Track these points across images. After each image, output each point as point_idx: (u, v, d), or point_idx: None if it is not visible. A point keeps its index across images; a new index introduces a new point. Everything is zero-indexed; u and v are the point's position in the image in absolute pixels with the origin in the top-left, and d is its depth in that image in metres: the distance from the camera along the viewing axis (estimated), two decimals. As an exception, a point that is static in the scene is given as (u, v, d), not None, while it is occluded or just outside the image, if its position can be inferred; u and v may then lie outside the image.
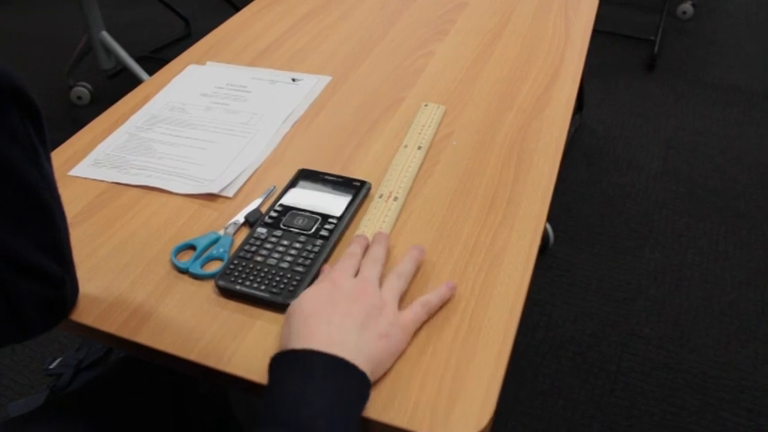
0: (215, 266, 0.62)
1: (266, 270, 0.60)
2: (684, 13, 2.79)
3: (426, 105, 0.83)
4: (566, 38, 1.02)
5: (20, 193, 0.48)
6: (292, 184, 0.70)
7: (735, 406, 1.31)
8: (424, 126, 0.79)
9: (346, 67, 0.96)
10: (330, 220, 0.65)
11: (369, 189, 0.70)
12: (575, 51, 0.98)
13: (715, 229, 1.75)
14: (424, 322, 0.56)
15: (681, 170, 1.96)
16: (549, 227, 1.70)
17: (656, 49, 2.48)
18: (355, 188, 0.69)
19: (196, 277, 0.61)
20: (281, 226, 0.64)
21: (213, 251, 0.63)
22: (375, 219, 0.66)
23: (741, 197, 1.85)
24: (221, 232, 0.66)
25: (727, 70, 2.45)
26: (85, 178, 0.74)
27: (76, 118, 2.24)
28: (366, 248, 0.61)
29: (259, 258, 0.61)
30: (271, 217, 0.65)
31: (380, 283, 0.57)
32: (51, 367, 1.13)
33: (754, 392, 1.34)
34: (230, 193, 0.72)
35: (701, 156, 2.02)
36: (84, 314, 0.58)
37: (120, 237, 0.66)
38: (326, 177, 0.71)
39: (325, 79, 0.93)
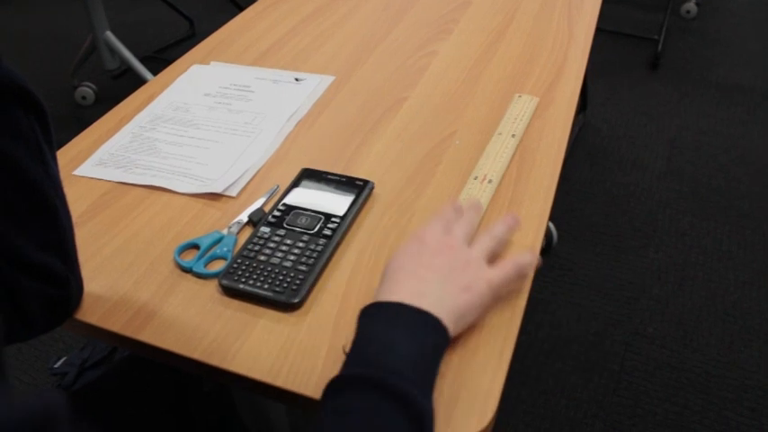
0: (218, 266, 0.62)
1: (269, 269, 0.60)
2: (688, 12, 2.78)
3: (520, 96, 0.86)
4: (569, 36, 1.02)
5: (25, 191, 0.49)
6: (295, 183, 0.71)
7: (738, 405, 1.31)
8: (517, 117, 0.82)
9: (349, 66, 0.96)
10: (333, 219, 0.65)
11: (372, 188, 0.71)
12: (578, 50, 0.98)
13: (719, 228, 1.74)
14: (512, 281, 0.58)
15: (684, 169, 1.96)
16: (552, 226, 1.70)
17: (660, 48, 2.47)
18: (358, 187, 0.69)
19: (200, 276, 0.61)
20: (285, 225, 0.65)
21: (216, 250, 0.63)
22: (470, 198, 0.69)
23: (745, 197, 1.85)
24: (225, 231, 0.66)
25: (731, 69, 2.45)
26: (90, 178, 0.75)
27: (81, 118, 2.24)
28: (458, 213, 0.63)
29: (262, 257, 0.61)
30: (274, 216, 0.66)
31: (471, 244, 0.59)
32: (56, 366, 1.13)
33: (758, 392, 1.34)
34: (234, 193, 0.72)
35: (705, 155, 2.01)
36: (89, 313, 0.58)
37: (124, 236, 0.67)
38: (329, 177, 0.71)
39: (328, 79, 0.93)
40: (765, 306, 1.52)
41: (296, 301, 0.57)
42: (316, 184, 0.70)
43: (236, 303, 0.59)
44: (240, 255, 0.61)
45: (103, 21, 2.21)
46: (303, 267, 0.60)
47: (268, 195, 0.71)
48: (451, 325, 0.51)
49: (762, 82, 2.37)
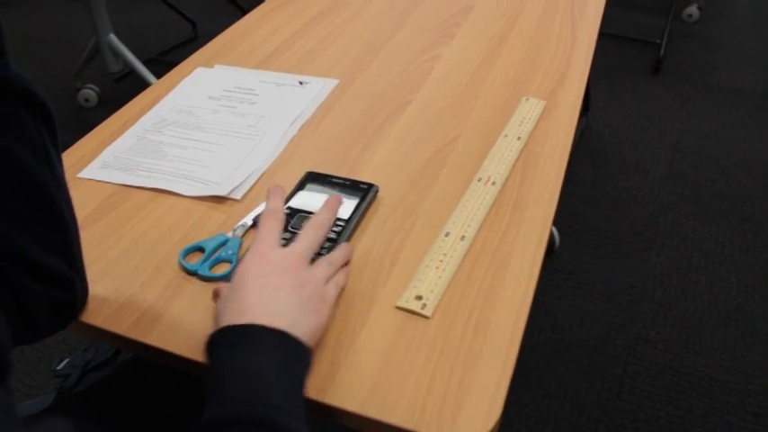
0: (224, 268, 0.62)
1: None
2: (690, 15, 2.79)
3: (527, 100, 0.86)
4: (572, 41, 1.02)
5: (31, 194, 0.49)
6: (300, 186, 0.71)
7: (741, 410, 1.31)
8: (523, 120, 0.82)
9: (353, 70, 0.96)
10: (338, 222, 0.65)
11: (376, 192, 0.71)
12: (581, 54, 0.98)
13: (721, 232, 1.74)
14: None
15: (687, 173, 1.96)
16: (554, 230, 1.70)
17: (662, 52, 2.47)
18: (363, 191, 0.70)
19: (205, 279, 0.61)
20: (290, 228, 0.65)
21: (222, 253, 0.64)
22: (472, 200, 0.69)
23: (747, 200, 1.85)
24: (230, 234, 0.66)
25: (733, 73, 2.45)
26: (95, 180, 0.75)
27: (84, 120, 2.25)
28: (282, 199, 0.61)
29: None
30: None
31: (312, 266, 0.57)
32: (59, 368, 1.13)
33: (761, 396, 1.33)
34: (238, 196, 0.72)
35: (707, 159, 2.01)
36: (94, 315, 0.58)
37: (129, 239, 0.67)
38: (334, 180, 0.71)
39: (332, 82, 0.93)
40: (767, 309, 1.52)
41: None
42: (320, 187, 0.70)
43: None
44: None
45: (107, 23, 2.21)
46: None
47: (272, 198, 0.71)
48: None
49: (763, 85, 2.37)
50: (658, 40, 2.53)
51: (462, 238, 0.65)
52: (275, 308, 0.50)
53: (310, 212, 0.67)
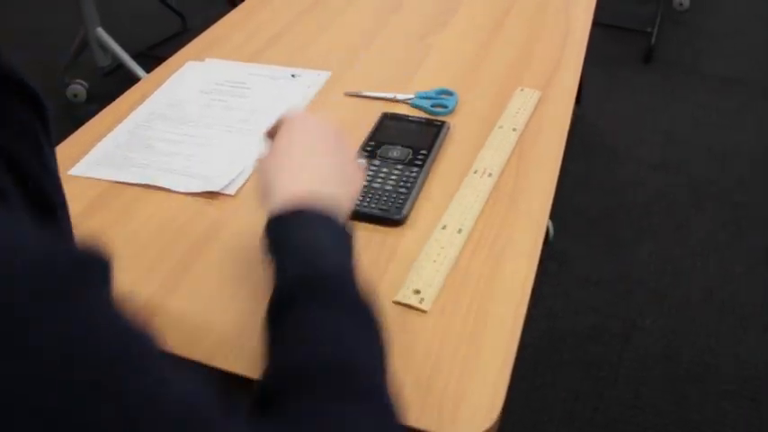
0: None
1: (372, 192, 0.68)
2: (681, 4, 2.78)
3: (522, 90, 0.86)
4: (566, 30, 1.01)
5: (24, 190, 0.48)
6: (378, 125, 0.79)
7: (736, 395, 1.32)
8: (518, 110, 0.82)
9: (347, 60, 0.95)
10: (422, 151, 0.74)
11: (448, 128, 0.78)
12: (575, 44, 0.98)
13: (714, 219, 1.75)
14: None
15: (679, 161, 1.96)
16: (549, 220, 1.70)
17: (653, 40, 2.47)
18: (437, 127, 0.78)
19: None
20: (379, 156, 0.73)
21: None
22: (469, 192, 0.70)
23: (740, 187, 1.85)
24: None
25: (725, 61, 2.45)
26: (86, 177, 0.74)
27: (74, 116, 2.22)
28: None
29: (364, 183, 0.66)
30: (366, 151, 0.74)
31: None
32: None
33: (755, 381, 1.34)
34: (232, 191, 0.71)
35: (700, 147, 2.02)
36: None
37: (123, 236, 0.66)
38: (410, 118, 0.80)
39: (324, 74, 0.92)
40: (762, 296, 1.53)
41: (400, 217, 0.65)
42: (397, 123, 0.79)
43: (241, 295, 0.58)
44: None
45: (95, 16, 2.19)
46: (403, 190, 0.68)
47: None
48: (350, 207, 0.51)
49: (755, 73, 2.37)
50: (649, 29, 2.53)
51: (459, 230, 0.65)
52: (320, 179, 0.51)
53: (393, 144, 0.75)
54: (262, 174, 0.53)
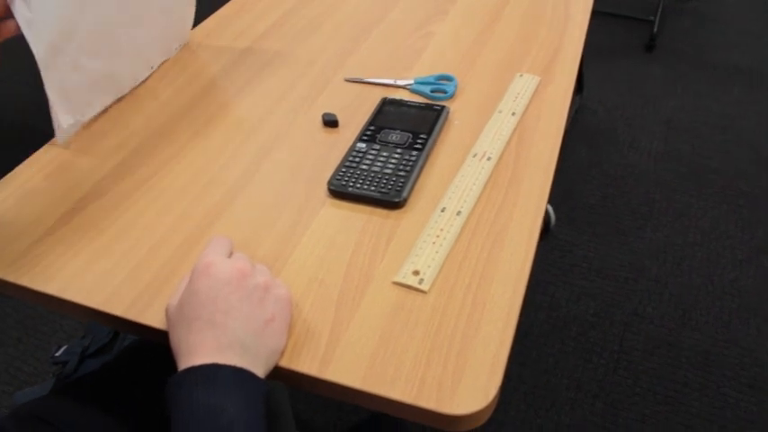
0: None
1: (372, 176, 0.69)
2: (683, -8, 2.77)
3: (521, 75, 0.86)
4: (566, 16, 1.01)
5: None
6: (378, 110, 0.79)
7: (736, 382, 1.32)
8: (518, 95, 0.82)
9: (345, 49, 0.95)
10: (421, 135, 0.74)
11: (448, 113, 0.79)
12: (575, 29, 0.98)
13: (716, 207, 1.75)
14: None
15: (682, 150, 1.96)
16: (550, 208, 1.70)
17: (656, 29, 2.46)
18: (437, 111, 0.79)
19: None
20: (378, 141, 0.74)
21: None
22: (468, 176, 0.70)
23: (742, 176, 1.85)
24: None
25: (727, 50, 2.44)
26: (85, 153, 0.74)
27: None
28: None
29: (364, 166, 0.70)
30: (366, 135, 0.75)
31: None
32: (57, 355, 1.13)
33: (756, 369, 1.35)
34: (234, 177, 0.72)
35: (702, 135, 2.01)
36: (90, 297, 0.58)
37: (125, 219, 0.66)
38: (409, 103, 0.80)
39: (324, 64, 0.92)
40: (763, 284, 1.53)
41: (400, 199, 0.66)
42: (397, 109, 0.80)
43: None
44: (343, 165, 0.70)
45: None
46: (402, 173, 0.69)
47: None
48: (263, 369, 0.50)
49: (758, 62, 2.37)
50: (651, 18, 2.52)
51: (458, 213, 0.65)
52: (225, 339, 0.49)
53: (393, 128, 0.76)
54: (169, 326, 0.52)
